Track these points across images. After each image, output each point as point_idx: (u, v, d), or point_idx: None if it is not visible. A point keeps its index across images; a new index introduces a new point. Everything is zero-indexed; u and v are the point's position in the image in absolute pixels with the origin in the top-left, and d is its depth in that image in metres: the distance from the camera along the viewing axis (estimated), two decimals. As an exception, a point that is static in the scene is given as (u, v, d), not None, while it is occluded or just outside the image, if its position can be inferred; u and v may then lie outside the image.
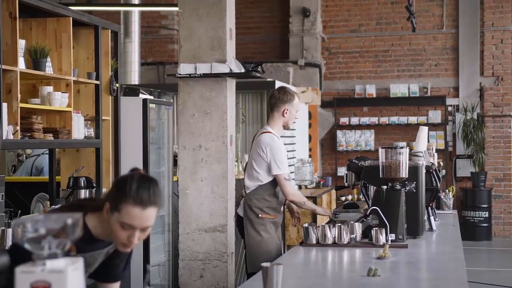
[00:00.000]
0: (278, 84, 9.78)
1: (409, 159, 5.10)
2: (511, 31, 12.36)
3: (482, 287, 8.40)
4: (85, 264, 2.64)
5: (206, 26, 5.56)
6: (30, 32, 5.05)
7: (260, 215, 4.94)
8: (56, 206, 4.80)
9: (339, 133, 12.69)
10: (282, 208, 5.17)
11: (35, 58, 4.70)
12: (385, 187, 4.39)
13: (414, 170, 4.56)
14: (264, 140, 4.94)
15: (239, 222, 5.11)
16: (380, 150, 4.47)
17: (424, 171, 4.72)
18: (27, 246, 1.77)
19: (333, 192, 11.03)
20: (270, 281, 2.73)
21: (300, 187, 10.18)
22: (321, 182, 10.69)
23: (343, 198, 11.53)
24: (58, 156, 5.88)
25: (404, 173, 4.39)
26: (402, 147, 4.45)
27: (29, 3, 4.69)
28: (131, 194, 2.47)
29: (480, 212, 11.98)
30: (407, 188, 4.50)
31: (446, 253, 4.18)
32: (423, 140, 5.49)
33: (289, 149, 9.99)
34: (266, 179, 4.94)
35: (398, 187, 4.40)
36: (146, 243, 6.09)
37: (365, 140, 12.60)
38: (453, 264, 3.71)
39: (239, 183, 7.35)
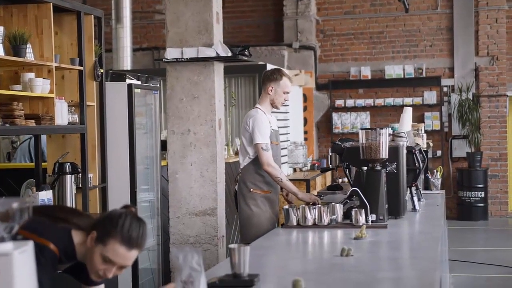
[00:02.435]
0: (269, 67, 9.78)
1: (392, 140, 5.12)
2: (506, 10, 12.31)
3: (479, 266, 8.42)
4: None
5: (192, 10, 5.54)
6: (11, 18, 5.04)
7: (251, 190, 5.09)
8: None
9: (335, 116, 12.69)
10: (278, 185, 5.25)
11: (15, 45, 4.70)
12: (365, 168, 4.41)
13: (394, 150, 4.57)
14: (249, 113, 5.17)
15: (236, 197, 5.28)
16: (360, 131, 4.48)
17: (405, 151, 4.72)
18: (-26, 230, 1.79)
19: (329, 174, 11.05)
20: (237, 261, 2.75)
21: (294, 170, 10.20)
22: (316, 164, 10.70)
23: (339, 180, 11.53)
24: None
25: (384, 154, 4.40)
26: (381, 128, 4.45)
27: (8, -10, 4.70)
28: (123, 231, 2.50)
29: (476, 192, 12.00)
30: (388, 168, 4.52)
31: (424, 232, 4.20)
32: (407, 121, 5.50)
33: (282, 131, 10.00)
34: (253, 152, 5.10)
35: (378, 168, 4.41)
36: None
37: (360, 122, 12.60)
38: (428, 243, 3.72)
39: (229, 167, 7.39)
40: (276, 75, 5.22)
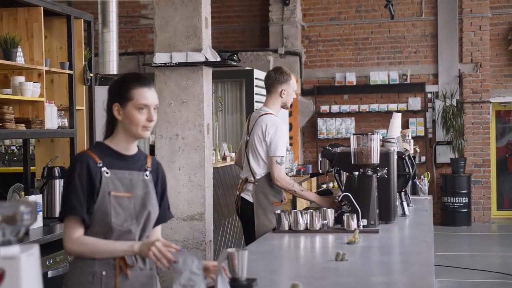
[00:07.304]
0: (256, 73, 9.80)
1: (382, 146, 5.14)
2: (490, 17, 12.43)
3: (464, 271, 8.48)
4: (126, 188, 2.83)
5: (181, 15, 5.56)
6: (1, 22, 5.02)
7: (273, 203, 4.85)
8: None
9: (320, 121, 12.73)
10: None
11: (5, 48, 4.68)
12: (356, 173, 4.42)
13: (385, 156, 4.59)
14: (268, 120, 4.87)
15: (244, 206, 4.94)
16: (351, 136, 4.50)
17: (395, 157, 4.75)
18: (-20, 233, 1.78)
19: (314, 179, 11.08)
20: (235, 266, 2.75)
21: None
22: (302, 170, 10.73)
23: (324, 186, 11.57)
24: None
25: (375, 159, 4.42)
26: (373, 134, 4.47)
27: (-1, -7, 4.68)
28: (134, 81, 2.85)
29: (459, 198, 12.08)
30: (379, 174, 4.54)
31: (416, 237, 4.23)
32: (396, 126, 5.53)
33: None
34: None
35: (369, 173, 4.43)
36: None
37: (345, 127, 12.65)
38: (421, 248, 3.75)
39: (217, 171, 7.37)
40: (285, 76, 4.93)
